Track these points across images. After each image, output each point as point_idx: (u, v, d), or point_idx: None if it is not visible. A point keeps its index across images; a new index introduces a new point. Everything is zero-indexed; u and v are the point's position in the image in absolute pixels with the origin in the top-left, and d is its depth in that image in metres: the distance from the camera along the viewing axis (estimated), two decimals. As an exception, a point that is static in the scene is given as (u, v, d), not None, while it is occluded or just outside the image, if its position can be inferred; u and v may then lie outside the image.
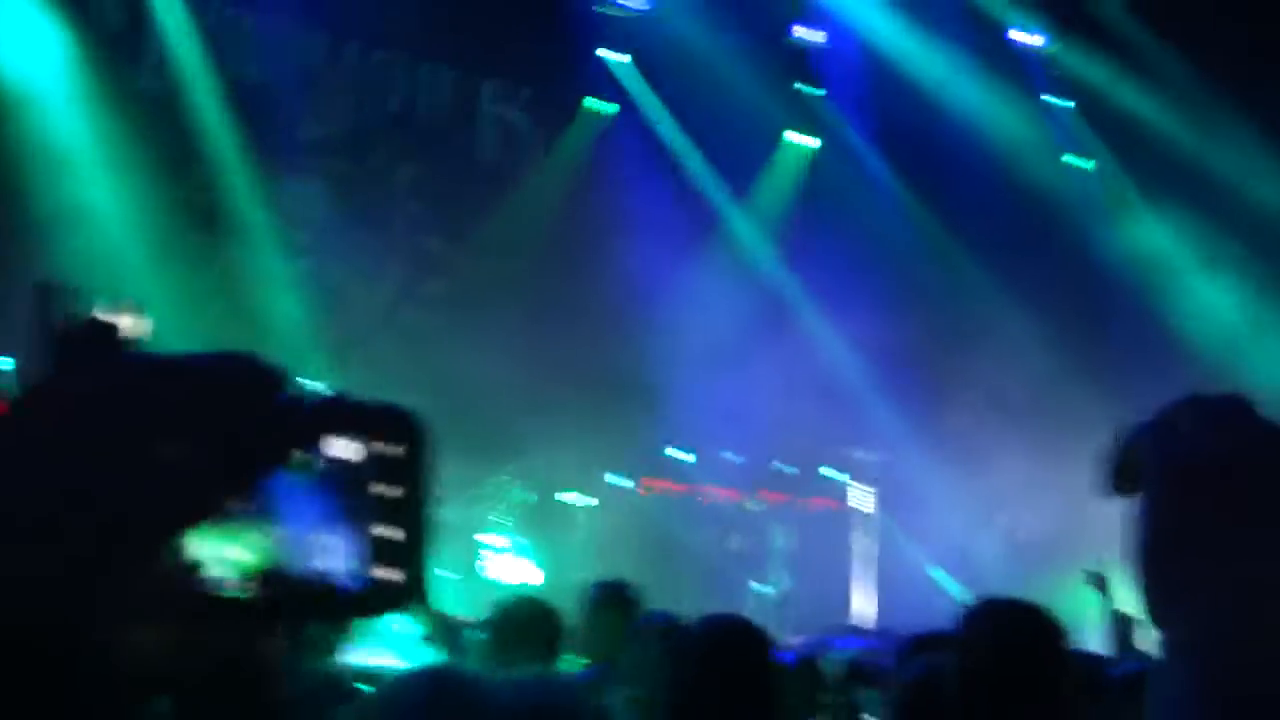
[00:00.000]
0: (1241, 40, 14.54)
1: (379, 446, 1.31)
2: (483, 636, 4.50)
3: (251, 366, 1.30)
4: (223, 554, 1.26)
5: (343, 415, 1.32)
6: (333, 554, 1.30)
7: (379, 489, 1.31)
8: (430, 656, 4.76)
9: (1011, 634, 2.91)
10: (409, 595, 1.31)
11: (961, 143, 16.20)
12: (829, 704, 5.56)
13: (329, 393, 1.34)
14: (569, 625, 5.34)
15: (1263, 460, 1.67)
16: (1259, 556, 1.61)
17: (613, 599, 6.09)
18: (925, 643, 5.56)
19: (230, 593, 1.26)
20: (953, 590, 14.40)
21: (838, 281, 15.49)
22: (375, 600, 1.31)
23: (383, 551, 1.31)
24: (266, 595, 1.27)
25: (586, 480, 15.08)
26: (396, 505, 1.32)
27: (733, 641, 3.48)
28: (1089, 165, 17.18)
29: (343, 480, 1.30)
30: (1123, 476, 1.78)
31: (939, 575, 14.57)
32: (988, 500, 15.66)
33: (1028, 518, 15.60)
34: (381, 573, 1.30)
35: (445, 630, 5.09)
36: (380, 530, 1.31)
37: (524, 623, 4.41)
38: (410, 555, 1.32)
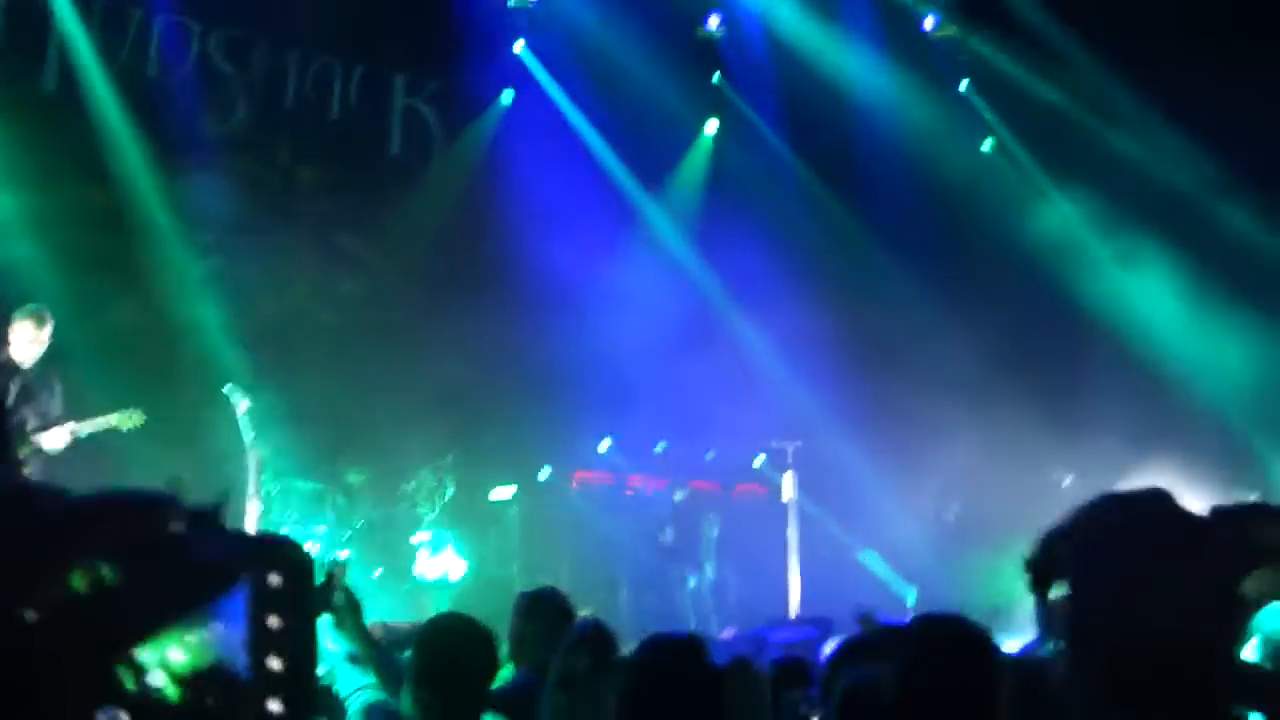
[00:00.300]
0: (1144, 23, 14.72)
1: (263, 577, 1.28)
2: (411, 661, 4.39)
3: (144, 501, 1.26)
4: (164, 655, 1.24)
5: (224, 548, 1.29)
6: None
7: (267, 618, 1.27)
8: (356, 677, 4.64)
9: (949, 657, 2.94)
10: None
11: (871, 130, 16.26)
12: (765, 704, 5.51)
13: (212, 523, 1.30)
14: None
15: (1180, 563, 1.71)
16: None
17: (542, 607, 6.04)
18: (857, 648, 5.57)
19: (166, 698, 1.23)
20: (883, 574, 14.50)
21: (757, 272, 15.51)
22: None
23: (269, 681, 1.27)
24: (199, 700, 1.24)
25: (517, 474, 15.02)
26: (280, 635, 1.29)
27: (678, 665, 3.42)
28: (990, 146, 17.32)
29: (245, 608, 1.28)
30: (1042, 576, 1.84)
31: (871, 559, 14.65)
32: (916, 485, 15.75)
33: (958, 502, 15.72)
34: (272, 703, 1.28)
35: (373, 649, 4.97)
36: (269, 659, 1.27)
37: (454, 655, 4.30)
38: (288, 686, 1.27)
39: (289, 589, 1.31)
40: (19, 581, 1.16)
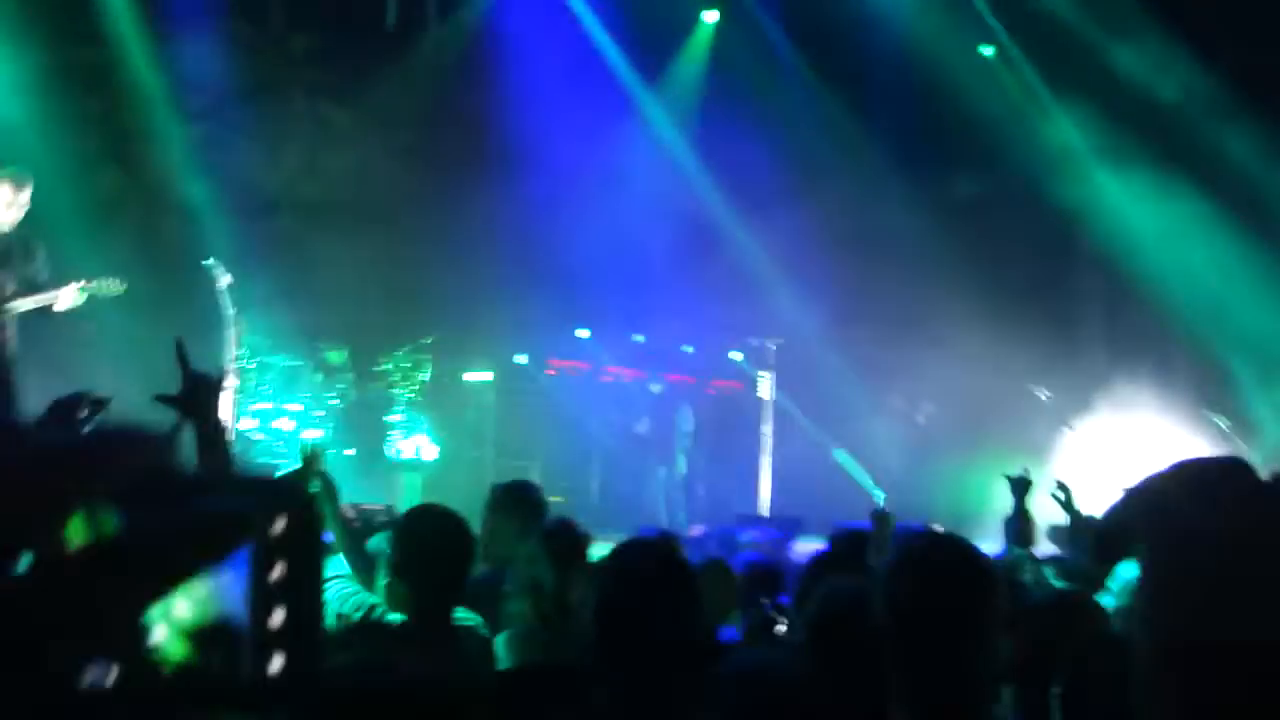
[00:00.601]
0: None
1: (268, 522, 1.23)
2: (389, 551, 4.41)
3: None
4: (168, 609, 1.20)
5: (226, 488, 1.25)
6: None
7: (270, 568, 1.24)
8: (336, 565, 4.67)
9: (939, 579, 2.86)
10: (286, 687, 1.24)
11: (873, 26, 16.04)
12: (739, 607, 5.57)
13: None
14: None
15: (1257, 535, 1.56)
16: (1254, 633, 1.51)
17: (514, 501, 6.03)
18: (835, 559, 5.61)
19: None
20: (855, 474, 14.60)
21: (752, 167, 15.42)
22: (257, 693, 1.24)
23: (271, 636, 1.23)
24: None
25: (493, 360, 15.04)
26: (283, 586, 1.24)
27: (659, 573, 3.44)
28: (991, 53, 17.14)
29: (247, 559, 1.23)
30: (1109, 546, 1.69)
31: (843, 458, 14.75)
32: (892, 387, 15.80)
33: (930, 404, 15.79)
34: (274, 659, 1.23)
35: (347, 538, 5.00)
36: (271, 613, 1.23)
37: (433, 547, 4.31)
38: (292, 641, 1.24)
39: (293, 536, 1.27)
40: (10, 524, 1.14)
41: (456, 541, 4.33)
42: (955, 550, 2.94)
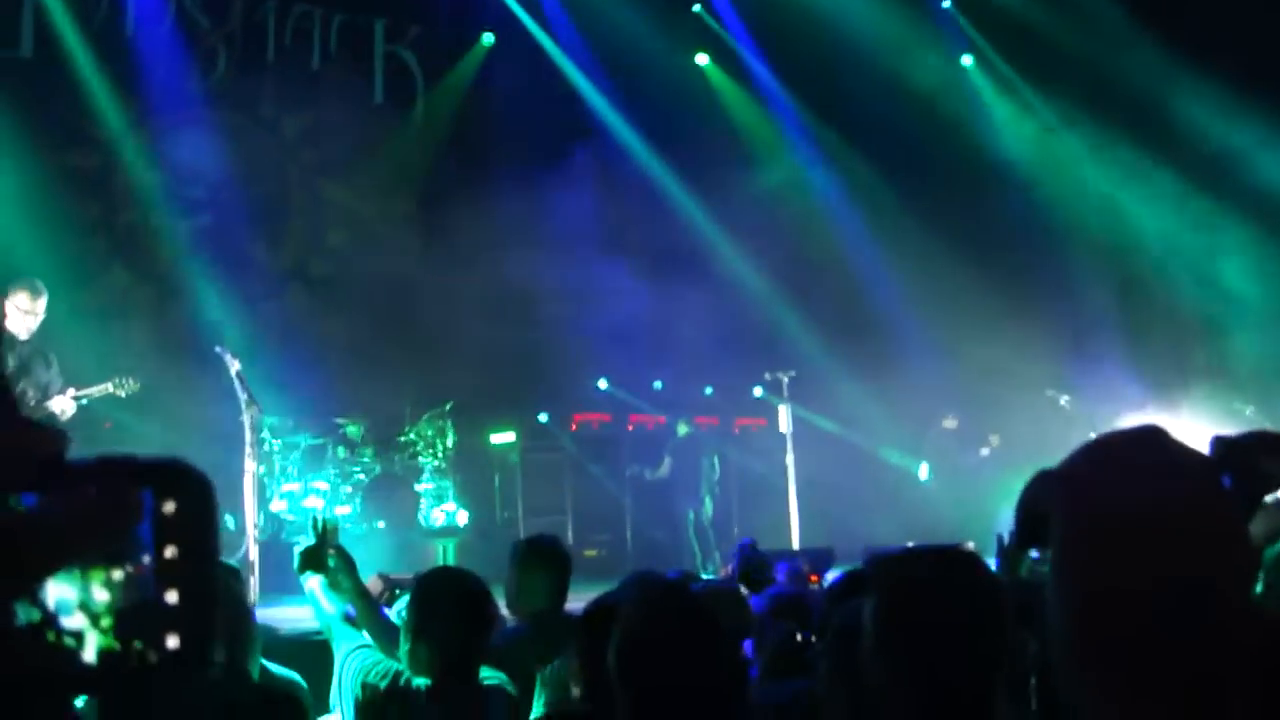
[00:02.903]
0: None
1: (160, 504, 1.27)
2: (407, 616, 4.43)
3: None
4: (86, 594, 1.24)
5: (116, 471, 1.28)
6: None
7: (164, 549, 1.27)
8: (353, 636, 4.68)
9: (929, 584, 2.84)
10: (184, 663, 1.26)
11: (849, 49, 16.09)
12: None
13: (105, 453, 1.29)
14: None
15: (1174, 503, 1.58)
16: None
17: (537, 555, 6.02)
18: (853, 583, 5.59)
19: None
20: (898, 459, 14.59)
21: (744, 202, 15.49)
22: (161, 670, 1.27)
23: (166, 615, 1.26)
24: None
25: (515, 420, 15.10)
26: (175, 566, 1.27)
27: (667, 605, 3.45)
28: (970, 62, 17.21)
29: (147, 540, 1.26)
30: (1029, 530, 1.69)
31: (887, 451, 14.75)
32: (911, 402, 15.74)
33: (954, 418, 15.70)
34: (169, 640, 1.27)
35: (368, 609, 5.01)
36: (165, 593, 1.27)
37: (449, 610, 4.33)
38: (185, 621, 1.27)
39: (183, 516, 1.29)
40: None
41: (473, 600, 4.34)
42: (955, 565, 2.92)
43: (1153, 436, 1.59)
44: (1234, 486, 1.60)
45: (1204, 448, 1.67)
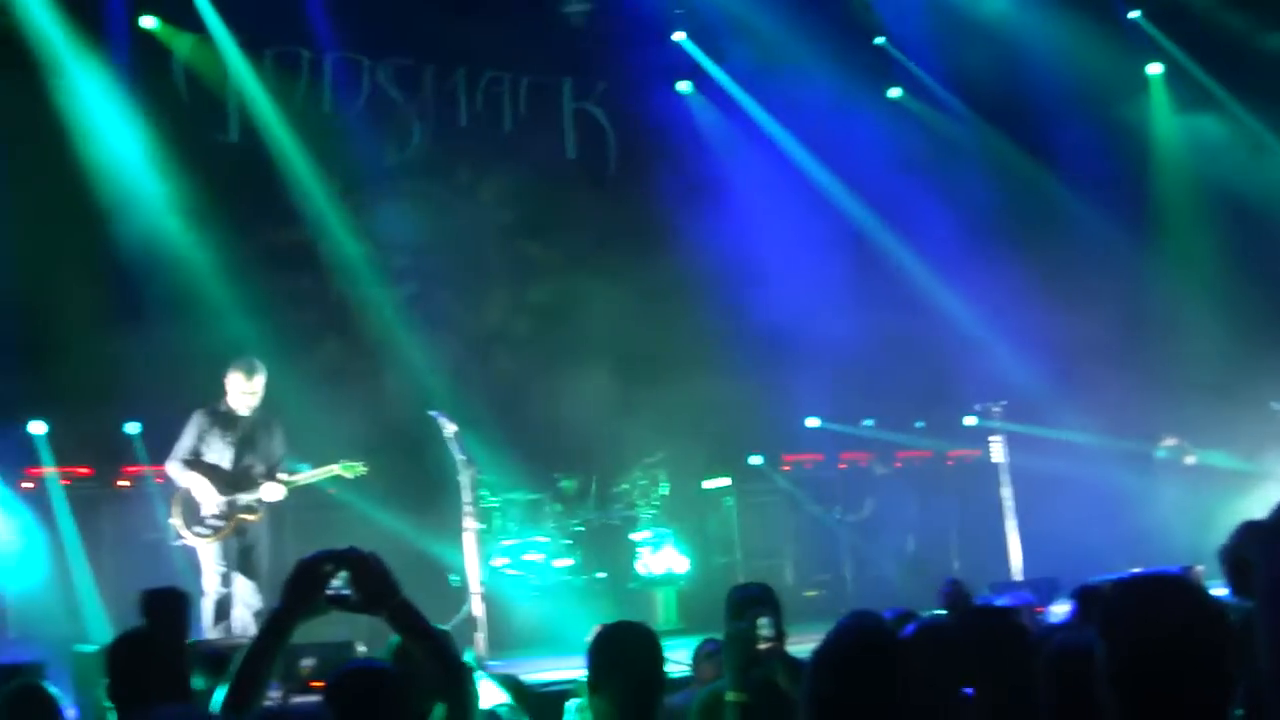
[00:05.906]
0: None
1: None
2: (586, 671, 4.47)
3: None
4: None
5: None
6: None
7: None
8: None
9: (1160, 621, 2.73)
10: None
11: (1042, 74, 15.80)
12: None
13: None
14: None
15: None
16: None
17: (751, 604, 5.92)
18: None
19: None
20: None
21: (946, 233, 15.30)
22: None
23: None
24: None
25: (728, 465, 15.09)
26: None
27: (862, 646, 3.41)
28: (1160, 71, 16.77)
29: None
30: (1236, 580, 1.63)
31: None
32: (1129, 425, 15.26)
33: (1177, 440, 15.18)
34: None
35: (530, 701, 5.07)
36: None
37: (621, 662, 4.37)
38: None
39: None
40: None
41: (646, 650, 4.35)
42: (1177, 596, 2.79)
43: None
44: None
45: None
